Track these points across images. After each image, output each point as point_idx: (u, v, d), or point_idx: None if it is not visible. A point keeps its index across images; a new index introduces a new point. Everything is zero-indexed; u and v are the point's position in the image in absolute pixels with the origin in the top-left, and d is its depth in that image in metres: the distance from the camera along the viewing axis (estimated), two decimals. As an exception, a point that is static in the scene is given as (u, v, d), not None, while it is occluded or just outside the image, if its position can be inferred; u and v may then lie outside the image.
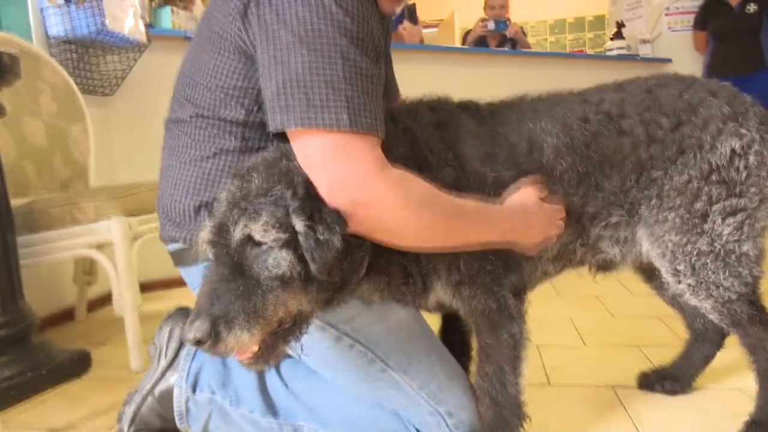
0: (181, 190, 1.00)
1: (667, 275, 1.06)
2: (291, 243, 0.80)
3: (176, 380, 1.13)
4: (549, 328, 1.88)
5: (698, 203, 1.01)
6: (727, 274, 1.02)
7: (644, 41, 4.40)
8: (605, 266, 1.15)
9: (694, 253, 1.02)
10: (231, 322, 0.78)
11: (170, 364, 1.14)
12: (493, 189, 0.99)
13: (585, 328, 1.86)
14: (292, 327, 0.87)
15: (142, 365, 1.70)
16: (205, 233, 0.85)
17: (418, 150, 0.97)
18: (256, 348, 0.83)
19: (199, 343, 0.76)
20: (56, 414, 1.45)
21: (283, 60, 0.83)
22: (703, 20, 4.14)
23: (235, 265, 0.81)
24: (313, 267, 0.80)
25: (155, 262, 1.95)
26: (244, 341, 0.79)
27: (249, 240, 0.81)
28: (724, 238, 1.01)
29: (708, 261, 1.01)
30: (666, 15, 4.41)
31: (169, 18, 2.71)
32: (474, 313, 1.00)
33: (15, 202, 1.66)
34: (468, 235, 0.92)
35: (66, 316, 2.33)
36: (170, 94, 1.07)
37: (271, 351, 0.86)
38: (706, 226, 1.01)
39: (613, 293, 2.27)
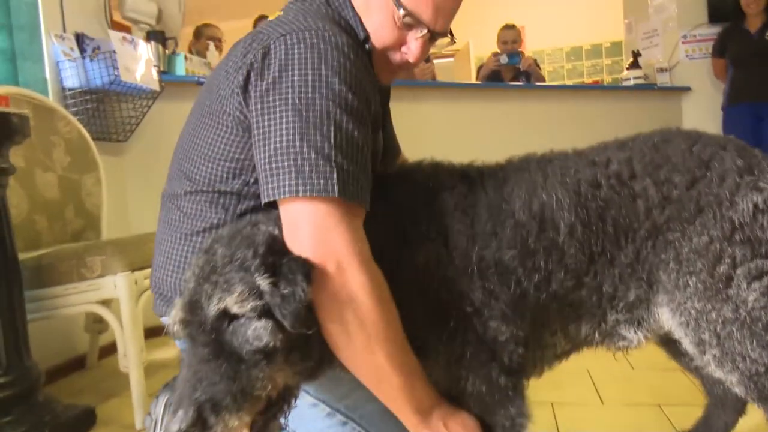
0: (170, 266, 0.99)
1: (689, 346, 0.97)
2: (268, 309, 0.77)
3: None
4: (565, 383, 1.81)
5: (721, 266, 0.92)
6: (754, 344, 0.91)
7: (662, 70, 4.34)
8: (623, 349, 1.07)
9: (719, 321, 0.92)
10: (218, 407, 0.75)
11: (165, 436, 1.11)
12: (481, 271, 0.91)
13: (603, 382, 1.79)
14: (280, 403, 0.84)
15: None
16: (176, 312, 0.82)
17: (399, 220, 0.93)
18: (246, 429, 0.80)
19: None
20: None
21: (274, 129, 0.83)
22: (721, 47, 4.07)
23: (213, 344, 0.78)
24: (286, 324, 0.76)
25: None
26: (234, 426, 0.76)
27: (225, 314, 0.78)
28: (750, 304, 0.91)
29: (734, 329, 0.92)
30: (683, 43, 4.35)
31: (182, 65, 2.76)
32: (465, 396, 0.93)
33: (24, 255, 1.67)
34: (390, 373, 0.85)
35: (77, 364, 2.33)
36: (172, 156, 1.06)
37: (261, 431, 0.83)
38: (730, 291, 0.92)
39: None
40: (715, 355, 0.94)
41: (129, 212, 2.67)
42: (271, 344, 0.77)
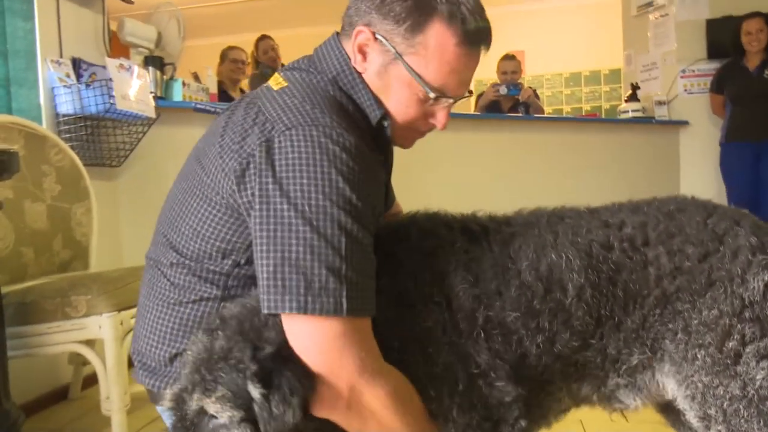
0: (156, 337, 0.95)
1: (694, 419, 0.95)
2: (250, 418, 0.75)
3: None
4: (557, 434, 1.77)
5: (730, 342, 0.91)
6: (761, 423, 0.90)
7: (660, 103, 4.35)
8: (620, 410, 1.05)
9: (726, 397, 0.91)
10: None
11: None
12: (486, 332, 0.90)
13: (596, 436, 1.75)
14: None
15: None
16: (167, 398, 0.81)
17: (401, 280, 0.91)
18: None
19: None
20: None
21: (282, 237, 0.79)
22: (719, 83, 4.08)
23: None
24: None
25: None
26: None
27: (206, 414, 0.76)
28: (758, 382, 0.90)
29: (741, 407, 0.90)
30: (681, 77, 4.37)
31: (180, 91, 2.74)
32: None
33: (8, 289, 1.63)
34: None
35: (60, 395, 2.28)
36: (178, 166, 1.03)
37: None
38: (739, 368, 0.90)
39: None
40: (720, 429, 0.92)
41: (121, 240, 2.64)
42: None
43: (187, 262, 0.93)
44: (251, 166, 0.84)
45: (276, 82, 0.95)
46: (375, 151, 0.95)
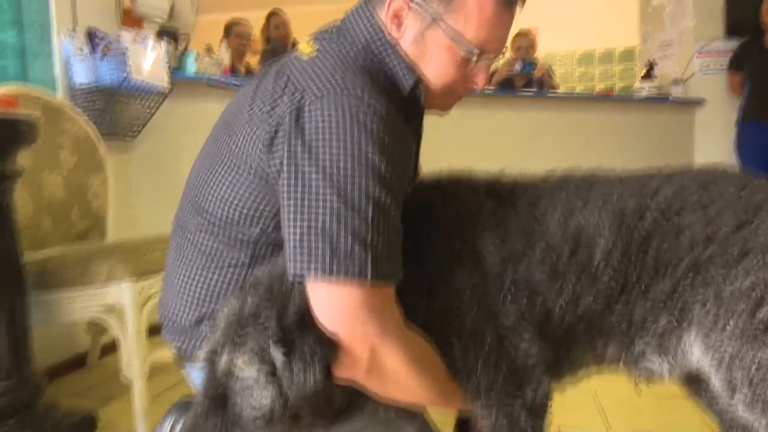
0: (184, 302, 0.96)
1: (719, 385, 0.95)
2: (275, 377, 0.76)
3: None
4: (572, 406, 1.78)
5: (761, 312, 0.90)
6: None
7: (676, 82, 4.29)
8: (647, 378, 1.06)
9: (754, 364, 0.91)
10: None
11: (170, 463, 1.10)
12: (513, 293, 0.90)
13: (610, 409, 1.77)
14: None
15: (147, 433, 1.66)
16: (200, 354, 0.83)
17: (428, 244, 0.91)
18: None
19: None
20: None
21: (309, 204, 0.79)
22: (738, 62, 4.01)
23: (219, 398, 0.78)
24: (289, 400, 0.77)
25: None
26: None
27: (235, 371, 0.78)
28: None
29: None
30: (698, 57, 4.30)
31: (193, 63, 2.73)
32: (483, 429, 0.92)
33: (29, 256, 1.65)
34: (435, 403, 0.94)
35: (78, 362, 2.33)
36: (192, 139, 1.04)
37: None
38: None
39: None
40: (745, 398, 0.92)
41: (136, 212, 2.65)
42: (272, 413, 0.77)
43: (214, 228, 0.93)
44: (280, 133, 0.84)
45: (305, 51, 0.94)
46: (406, 122, 0.94)
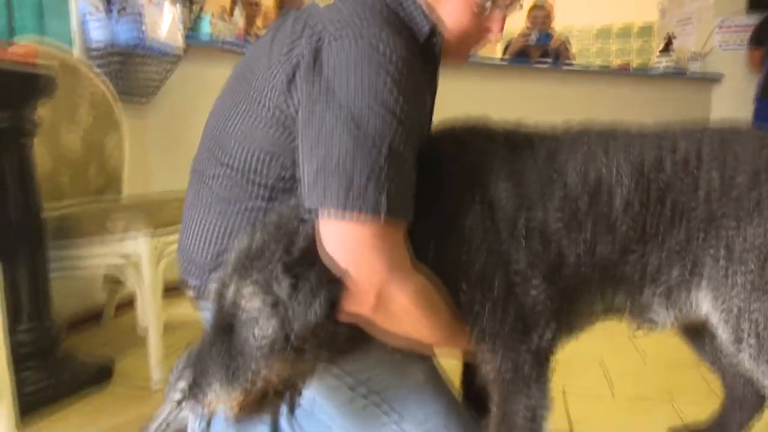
0: (201, 244, 0.98)
1: (726, 337, 0.97)
2: (279, 309, 0.78)
3: (191, 414, 1.12)
4: (576, 370, 1.81)
5: None
6: None
7: (694, 57, 4.22)
8: (648, 327, 1.07)
9: (762, 318, 0.93)
10: (209, 386, 0.79)
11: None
12: (526, 239, 0.91)
13: (615, 374, 1.79)
14: (285, 390, 0.87)
15: (162, 381, 1.71)
16: (210, 288, 0.86)
17: (442, 187, 0.92)
18: (237, 407, 0.83)
19: (180, 401, 0.79)
20: (77, 428, 1.47)
21: (326, 141, 0.80)
22: (759, 37, 3.94)
23: (225, 327, 0.81)
24: (292, 334, 0.78)
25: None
26: (221, 402, 0.80)
27: (241, 302, 0.80)
28: None
29: None
30: (718, 31, 4.22)
31: (208, 27, 2.73)
32: (488, 374, 0.94)
33: (48, 208, 1.69)
34: (441, 345, 0.96)
35: (94, 317, 2.38)
36: (206, 103, 1.05)
37: (256, 410, 0.86)
38: None
39: (647, 333, 2.18)
40: (751, 351, 0.94)
41: (151, 172, 2.68)
42: (274, 343, 0.79)
43: (232, 173, 0.95)
44: (298, 74, 0.85)
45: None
46: (422, 69, 0.95)
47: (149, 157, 2.69)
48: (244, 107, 0.93)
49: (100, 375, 1.74)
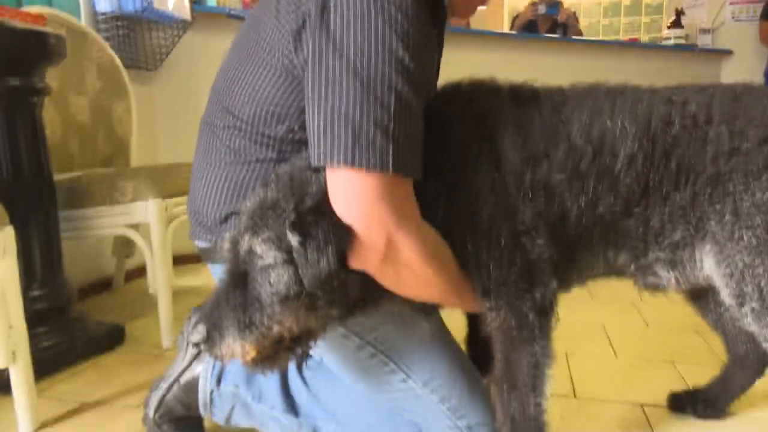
0: (212, 197, 1.00)
1: (728, 296, 0.98)
2: (291, 262, 0.80)
3: (202, 372, 1.15)
4: (579, 335, 1.84)
5: None
6: None
7: (704, 31, 4.17)
8: (651, 288, 1.08)
9: (766, 275, 0.93)
10: (223, 332, 0.81)
11: (197, 355, 1.16)
12: (532, 193, 0.92)
13: (617, 338, 1.81)
14: (298, 340, 0.88)
15: (172, 344, 1.74)
16: (225, 241, 0.87)
17: (449, 143, 0.93)
18: (252, 356, 0.85)
19: (197, 345, 0.81)
20: (89, 387, 1.51)
21: (333, 92, 0.80)
22: (771, 11, 3.89)
23: (240, 276, 0.83)
24: (305, 284, 0.80)
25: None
26: (236, 351, 0.82)
27: (255, 254, 0.81)
28: None
29: None
30: (730, 3, 4.16)
31: (214, -5, 2.71)
32: (493, 327, 0.96)
33: (58, 177, 1.71)
34: (446, 298, 0.96)
35: (104, 285, 2.41)
36: (213, 72, 1.05)
37: (271, 360, 0.87)
38: None
39: (649, 299, 2.18)
40: (754, 308, 0.95)
41: (158, 142, 2.69)
42: (287, 292, 0.80)
43: (242, 126, 0.95)
44: (306, 27, 0.85)
45: None
46: (429, 24, 0.95)
47: (156, 126, 2.70)
48: (253, 60, 0.94)
49: (113, 337, 1.78)
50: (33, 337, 1.31)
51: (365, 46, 0.80)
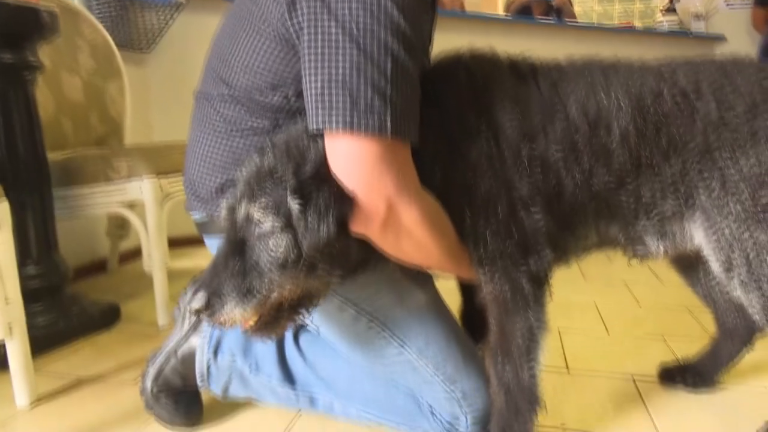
0: (207, 168, 1.00)
1: (717, 265, 1.00)
2: (291, 228, 0.80)
3: (199, 343, 1.16)
4: (572, 312, 1.86)
5: (764, 193, 0.94)
6: None
7: (698, 17, 4.18)
8: (640, 257, 1.10)
9: (753, 245, 0.95)
10: (223, 298, 0.82)
11: (194, 327, 1.17)
12: (529, 167, 0.93)
13: (609, 315, 1.84)
14: (298, 305, 0.89)
15: (168, 322, 1.75)
16: (222, 209, 0.88)
17: (448, 115, 0.94)
18: (252, 322, 0.86)
19: (198, 312, 0.81)
20: (85, 364, 1.51)
21: (330, 57, 0.80)
22: (764, -3, 3.90)
23: (238, 243, 0.83)
24: (303, 249, 0.80)
25: (185, 219, 1.99)
26: (236, 317, 0.83)
27: (252, 220, 0.82)
28: None
29: (766, 254, 0.95)
30: (724, -11, 4.17)
31: (207, -25, 2.68)
32: (488, 296, 0.97)
33: (52, 156, 1.70)
34: (444, 268, 0.98)
35: (98, 267, 2.41)
36: (207, 54, 1.06)
37: (271, 325, 0.88)
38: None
39: (642, 281, 2.23)
40: (741, 278, 0.97)
41: (152, 123, 2.68)
42: (286, 258, 0.81)
43: (237, 94, 0.96)
44: None
45: None
46: None
47: (150, 108, 2.68)
48: (247, 30, 0.94)
49: (108, 316, 1.78)
50: (28, 315, 1.31)
51: (360, 10, 0.80)
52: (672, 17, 4.15)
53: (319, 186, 0.80)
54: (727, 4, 4.19)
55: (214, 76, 1.00)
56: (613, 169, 0.95)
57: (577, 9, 7.02)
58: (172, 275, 1.86)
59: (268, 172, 0.83)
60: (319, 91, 0.81)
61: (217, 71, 0.99)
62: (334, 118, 0.80)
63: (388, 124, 0.80)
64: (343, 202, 0.81)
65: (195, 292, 0.83)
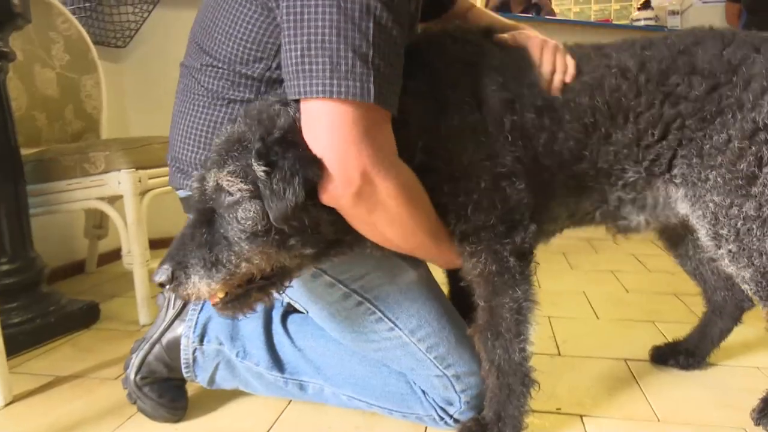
0: (190, 141, 0.97)
1: (706, 238, 1.00)
2: (258, 194, 0.77)
3: (184, 330, 1.12)
4: (561, 301, 1.85)
5: (742, 163, 0.94)
6: None
7: (673, 13, 4.24)
8: (626, 232, 1.10)
9: (740, 217, 0.95)
10: (188, 271, 0.79)
11: (178, 314, 1.13)
12: (512, 136, 0.92)
13: (598, 302, 1.83)
14: (270, 282, 0.86)
15: (149, 320, 1.69)
16: (193, 180, 0.85)
17: (433, 84, 0.92)
18: (221, 296, 0.83)
19: (162, 285, 0.79)
20: (64, 363, 1.46)
21: (309, 19, 0.77)
22: (736, -8, 3.96)
23: (206, 213, 0.81)
24: (271, 217, 0.77)
25: (165, 218, 1.94)
26: (202, 291, 0.80)
27: (221, 189, 0.79)
28: None
29: (754, 227, 0.94)
30: (698, -15, 4.23)
31: (184, -30, 2.63)
32: (474, 276, 0.95)
33: (26, 151, 1.64)
34: (422, 249, 0.94)
35: (77, 268, 2.34)
36: (183, 48, 1.03)
37: (241, 301, 0.85)
38: (754, 189, 0.94)
39: (629, 269, 2.23)
40: (731, 250, 0.97)
41: (128, 119, 2.62)
42: (255, 227, 0.79)
43: (219, 65, 0.93)
44: None
45: None
46: None
47: (126, 103, 2.62)
48: (228, 1, 0.91)
49: (88, 314, 1.72)
50: (3, 313, 1.25)
51: None
52: (648, 13, 4.21)
53: (285, 151, 0.77)
54: (702, 0, 4.26)
55: (197, 48, 0.97)
56: (568, 133, 0.95)
57: (555, 10, 7.13)
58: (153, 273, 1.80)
59: (236, 139, 0.81)
60: (298, 56, 0.78)
61: (200, 42, 0.96)
62: (313, 84, 0.77)
63: (371, 90, 0.77)
64: (311, 167, 0.77)
65: (161, 264, 0.80)
